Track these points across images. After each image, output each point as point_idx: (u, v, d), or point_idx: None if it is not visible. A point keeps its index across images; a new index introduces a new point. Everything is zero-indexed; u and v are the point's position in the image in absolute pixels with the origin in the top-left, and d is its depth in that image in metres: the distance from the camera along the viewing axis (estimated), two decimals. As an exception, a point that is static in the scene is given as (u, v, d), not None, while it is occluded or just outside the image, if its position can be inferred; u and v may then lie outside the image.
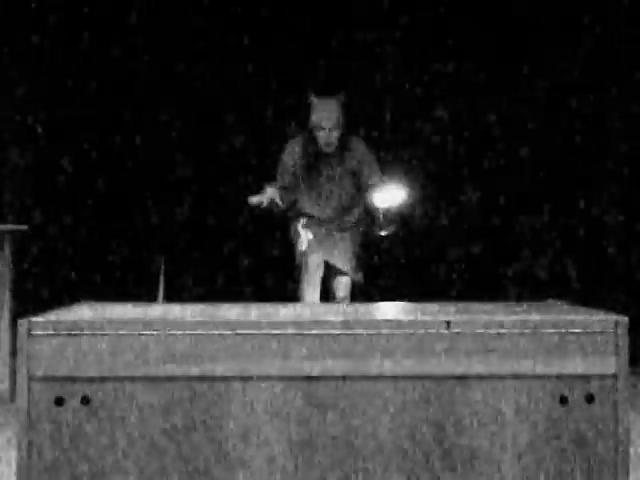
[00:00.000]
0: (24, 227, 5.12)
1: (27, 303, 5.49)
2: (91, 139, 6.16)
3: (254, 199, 4.89)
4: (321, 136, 5.09)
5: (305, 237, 5.17)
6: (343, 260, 5.23)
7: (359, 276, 5.23)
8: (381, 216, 4.87)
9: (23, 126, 6.16)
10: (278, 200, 4.98)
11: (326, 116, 5.07)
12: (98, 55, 6.13)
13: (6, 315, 4.86)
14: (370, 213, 5.10)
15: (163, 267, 5.65)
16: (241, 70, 6.26)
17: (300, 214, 5.26)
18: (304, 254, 5.19)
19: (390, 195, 4.90)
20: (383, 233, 4.91)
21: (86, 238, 6.16)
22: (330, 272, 5.22)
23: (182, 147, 6.24)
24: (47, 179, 6.17)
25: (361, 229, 5.33)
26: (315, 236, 5.19)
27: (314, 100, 5.15)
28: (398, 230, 5.02)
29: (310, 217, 5.20)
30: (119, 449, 2.31)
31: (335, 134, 5.08)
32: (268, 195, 4.95)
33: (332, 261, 5.21)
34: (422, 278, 6.32)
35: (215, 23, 6.26)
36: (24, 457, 2.29)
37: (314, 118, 5.11)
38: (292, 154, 5.18)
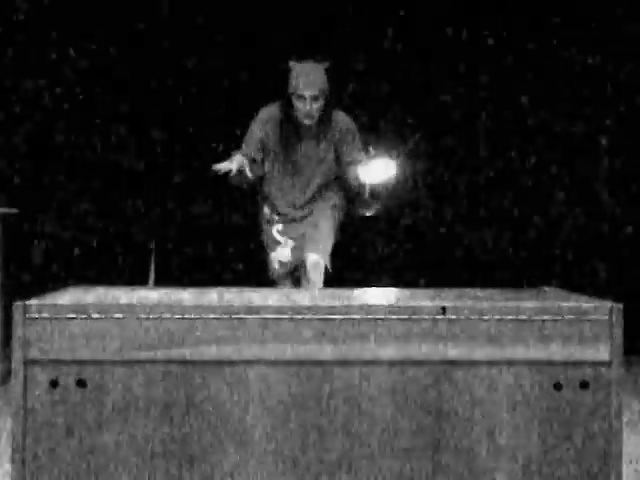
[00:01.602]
0: (15, 210, 5.11)
1: (17, 286, 5.48)
2: (82, 123, 6.14)
3: (220, 166, 4.18)
4: (301, 106, 4.35)
5: (283, 246, 4.52)
6: (317, 237, 4.45)
7: (327, 260, 4.45)
8: (366, 193, 4.21)
9: (12, 107, 6.14)
10: (247, 170, 4.27)
11: (308, 82, 4.32)
12: (86, 39, 6.10)
13: (-3, 298, 4.86)
14: (352, 190, 4.44)
15: (154, 251, 5.61)
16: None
17: (268, 200, 4.55)
18: (280, 265, 4.52)
19: (377, 169, 4.21)
20: (367, 213, 4.29)
21: (77, 222, 6.15)
22: (300, 248, 4.52)
23: (169, 132, 6.22)
24: (38, 162, 6.15)
25: (341, 212, 4.57)
26: (293, 239, 4.51)
27: (294, 65, 4.39)
28: (384, 210, 4.43)
29: (280, 209, 4.53)
30: (114, 432, 2.31)
31: (317, 105, 4.35)
32: (236, 163, 4.25)
33: (304, 239, 4.47)
34: (415, 263, 6.31)
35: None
36: (19, 439, 2.29)
37: (293, 84, 4.34)
38: (263, 124, 4.45)
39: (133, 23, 6.07)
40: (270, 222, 4.59)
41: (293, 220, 4.58)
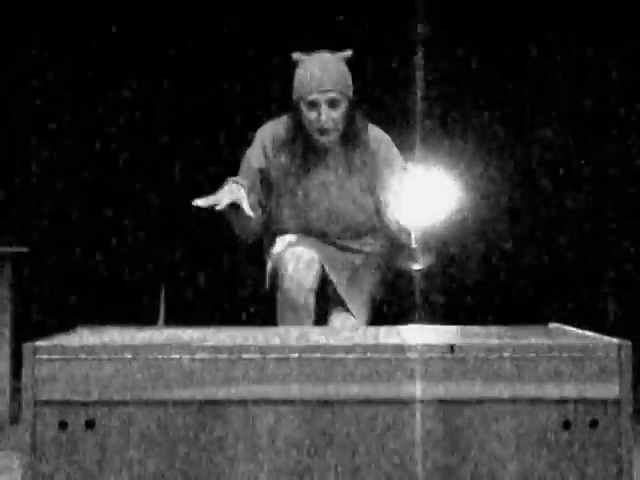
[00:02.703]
0: (24, 249, 5.12)
1: (27, 326, 5.49)
2: (91, 161, 6.17)
3: (206, 201, 2.95)
4: (313, 116, 3.11)
5: (284, 240, 3.24)
6: (350, 292, 3.19)
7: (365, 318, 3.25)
8: (412, 242, 2.99)
9: (21, 146, 6.18)
10: (245, 206, 2.99)
11: (321, 81, 3.07)
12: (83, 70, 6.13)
13: (6, 338, 4.86)
14: (395, 238, 3.19)
15: (163, 290, 5.60)
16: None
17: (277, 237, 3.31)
18: (279, 259, 3.15)
19: (427, 208, 2.98)
20: (416, 267, 3.02)
21: (86, 261, 6.16)
22: (326, 301, 3.27)
23: (181, 168, 6.23)
24: (48, 200, 6.17)
25: (383, 263, 3.37)
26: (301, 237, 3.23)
27: (301, 58, 3.18)
28: (439, 261, 3.23)
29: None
30: (123, 473, 2.31)
31: (337, 114, 3.11)
32: (229, 193, 2.98)
33: (332, 277, 3.17)
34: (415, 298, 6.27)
35: None
36: (28, 481, 2.29)
37: (301, 86, 3.13)
38: (263, 148, 3.19)
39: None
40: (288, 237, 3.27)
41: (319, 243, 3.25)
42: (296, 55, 3.21)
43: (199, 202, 2.95)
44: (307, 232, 3.26)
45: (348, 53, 3.19)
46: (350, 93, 3.18)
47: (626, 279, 6.17)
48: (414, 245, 3.02)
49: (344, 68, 3.16)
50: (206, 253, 6.27)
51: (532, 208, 6.17)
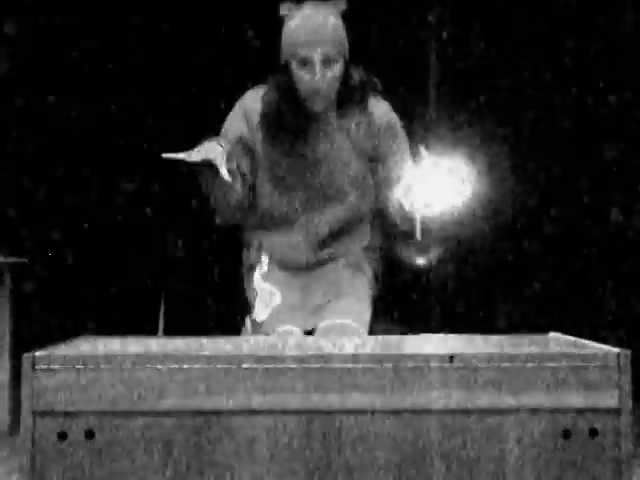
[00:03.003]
0: (23, 260, 5.13)
1: (26, 336, 5.49)
2: (89, 173, 6.17)
3: (176, 155, 2.56)
4: (306, 77, 2.70)
5: (265, 298, 2.88)
6: (340, 308, 2.90)
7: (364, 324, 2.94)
8: (418, 232, 2.55)
9: (19, 160, 6.18)
10: (221, 165, 2.53)
11: (314, 36, 2.67)
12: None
13: (6, 348, 4.86)
14: (395, 227, 2.79)
15: (163, 300, 5.59)
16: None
17: (256, 236, 2.92)
18: (263, 327, 2.89)
19: (435, 194, 2.53)
20: (421, 260, 2.73)
21: (85, 272, 6.16)
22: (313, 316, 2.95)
23: (181, 182, 6.24)
24: (46, 212, 6.18)
25: (378, 254, 3.01)
26: (284, 297, 2.87)
27: (290, 10, 2.76)
28: (446, 254, 2.75)
29: (278, 253, 2.90)
30: (123, 484, 2.31)
31: (332, 73, 2.70)
32: (204, 150, 2.56)
33: (318, 321, 2.92)
34: (409, 306, 6.27)
35: None
36: (27, 492, 2.28)
37: (290, 42, 2.72)
38: (245, 115, 2.80)
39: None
40: (254, 266, 2.94)
41: (298, 269, 2.90)
42: (284, 9, 2.78)
43: (168, 155, 2.56)
44: (290, 215, 2.85)
45: (342, 4, 2.79)
46: (346, 51, 2.78)
47: (626, 288, 6.17)
48: (418, 236, 2.57)
49: (339, 22, 2.75)
50: (205, 262, 6.27)
51: (535, 216, 6.17)
